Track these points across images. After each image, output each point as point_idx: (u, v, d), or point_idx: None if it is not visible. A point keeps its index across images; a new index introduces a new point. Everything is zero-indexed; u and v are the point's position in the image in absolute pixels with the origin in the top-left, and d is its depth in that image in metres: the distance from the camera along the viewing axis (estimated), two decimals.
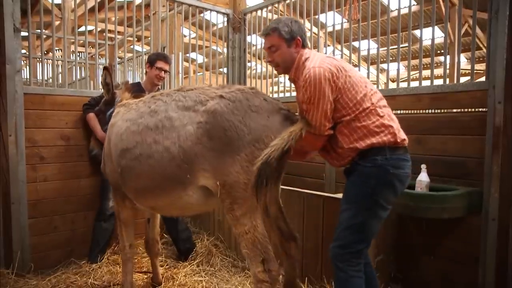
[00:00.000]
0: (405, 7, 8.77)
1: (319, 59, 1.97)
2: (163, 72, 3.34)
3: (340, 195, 2.84)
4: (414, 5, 9.21)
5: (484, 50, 10.10)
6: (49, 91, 3.27)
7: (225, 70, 4.69)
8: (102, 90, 3.05)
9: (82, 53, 9.74)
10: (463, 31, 9.28)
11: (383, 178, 1.93)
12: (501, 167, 2.42)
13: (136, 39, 4.23)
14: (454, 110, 2.73)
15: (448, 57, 3.30)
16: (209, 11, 4.37)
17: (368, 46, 3.57)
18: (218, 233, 3.72)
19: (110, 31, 5.84)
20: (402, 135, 1.99)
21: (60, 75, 8.22)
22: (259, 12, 4.30)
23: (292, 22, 2.11)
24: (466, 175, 2.63)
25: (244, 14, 4.37)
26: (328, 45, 11.68)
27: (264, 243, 2.00)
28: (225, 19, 4.52)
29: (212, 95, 2.09)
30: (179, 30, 5.04)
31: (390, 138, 1.92)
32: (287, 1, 3.99)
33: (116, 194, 2.61)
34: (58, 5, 7.78)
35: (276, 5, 4.18)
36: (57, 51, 11.39)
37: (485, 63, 2.93)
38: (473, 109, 2.67)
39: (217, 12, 4.37)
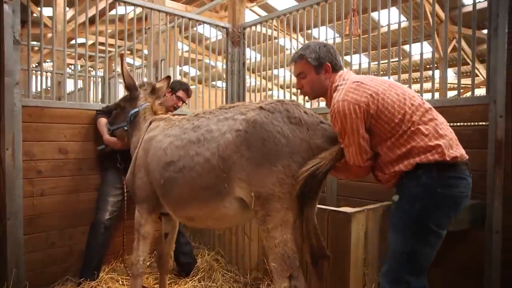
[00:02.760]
0: (395, 23, 9.01)
1: (345, 89, 1.87)
2: (181, 102, 3.48)
3: (344, 209, 2.85)
4: (404, 21, 9.45)
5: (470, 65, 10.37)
6: (47, 103, 3.22)
7: (222, 83, 4.72)
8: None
9: (78, 66, 9.71)
10: (451, 46, 9.50)
11: (430, 199, 1.78)
12: (504, 180, 2.46)
13: (129, 52, 4.22)
14: (455, 124, 2.78)
15: (437, 71, 3.45)
16: (206, 25, 4.41)
17: (359, 61, 3.65)
18: (219, 247, 3.68)
19: (101, 43, 5.82)
20: (453, 152, 1.79)
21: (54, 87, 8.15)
22: (258, 27, 4.35)
23: (320, 47, 2.04)
24: None
25: (243, 29, 4.41)
26: None
27: (293, 258, 1.94)
28: (223, 32, 4.55)
29: (252, 107, 2.12)
30: (177, 43, 5.06)
31: (437, 157, 1.75)
32: (281, 17, 4.06)
33: (142, 207, 2.61)
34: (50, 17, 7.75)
35: (275, 20, 4.23)
36: (48, 62, 11.33)
37: (469, 78, 3.06)
38: (474, 123, 2.71)
39: (217, 26, 4.41)
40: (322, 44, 2.07)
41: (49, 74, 7.74)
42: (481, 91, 12.21)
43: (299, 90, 2.23)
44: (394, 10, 7.01)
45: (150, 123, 2.78)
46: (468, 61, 9.91)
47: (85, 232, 3.35)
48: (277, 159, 1.92)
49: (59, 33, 5.27)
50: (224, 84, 4.62)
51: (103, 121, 3.25)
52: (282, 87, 4.92)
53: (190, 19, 4.18)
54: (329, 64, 2.03)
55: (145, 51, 5.75)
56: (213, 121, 2.24)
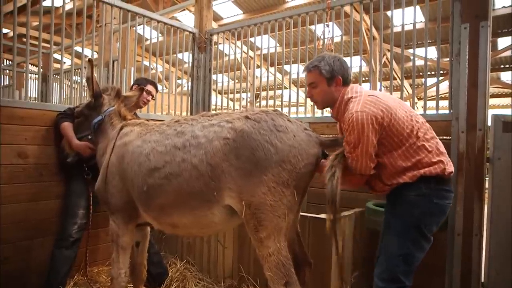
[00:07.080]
0: (337, 35, 9.57)
1: (362, 101, 1.98)
2: (150, 96, 3.35)
3: (325, 216, 2.97)
4: (338, 35, 10.08)
5: (399, 80, 11.43)
6: (6, 102, 2.89)
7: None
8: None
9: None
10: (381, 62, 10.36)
11: (427, 207, 1.98)
12: (465, 187, 2.78)
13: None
14: None
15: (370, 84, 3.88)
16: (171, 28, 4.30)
17: (297, 70, 3.89)
18: (188, 256, 3.59)
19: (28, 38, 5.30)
20: (449, 167, 2.03)
21: None
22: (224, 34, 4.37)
23: (335, 60, 2.13)
24: None
25: (210, 35, 4.38)
26: (258, 66, 12.15)
27: (288, 266, 1.98)
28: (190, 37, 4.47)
29: (237, 116, 2.12)
30: (132, 44, 4.85)
31: (439, 171, 1.97)
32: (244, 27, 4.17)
33: (118, 217, 2.48)
34: None
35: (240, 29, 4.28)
36: None
37: (399, 91, 3.48)
38: (438, 137, 3.01)
39: (184, 30, 4.31)
40: (337, 58, 2.16)
41: None
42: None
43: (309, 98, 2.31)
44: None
45: (121, 129, 2.65)
46: (396, 77, 10.89)
47: (44, 244, 3.07)
48: (267, 167, 1.94)
49: None
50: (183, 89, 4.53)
51: (68, 125, 2.97)
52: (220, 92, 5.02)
53: (158, 21, 4.04)
54: (340, 78, 2.13)
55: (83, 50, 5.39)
56: (198, 127, 2.20)
